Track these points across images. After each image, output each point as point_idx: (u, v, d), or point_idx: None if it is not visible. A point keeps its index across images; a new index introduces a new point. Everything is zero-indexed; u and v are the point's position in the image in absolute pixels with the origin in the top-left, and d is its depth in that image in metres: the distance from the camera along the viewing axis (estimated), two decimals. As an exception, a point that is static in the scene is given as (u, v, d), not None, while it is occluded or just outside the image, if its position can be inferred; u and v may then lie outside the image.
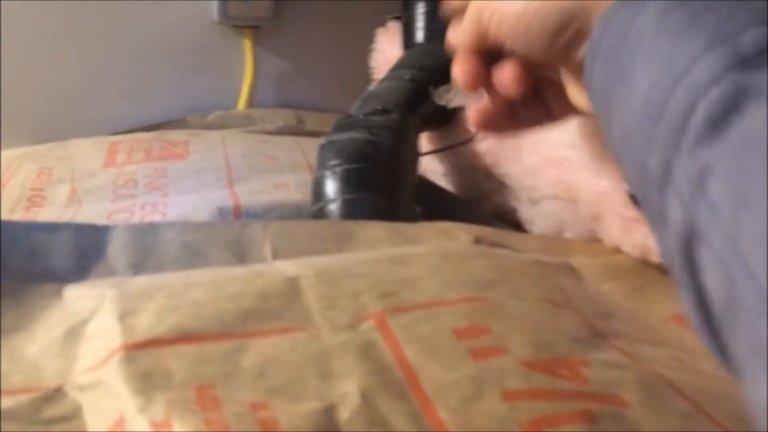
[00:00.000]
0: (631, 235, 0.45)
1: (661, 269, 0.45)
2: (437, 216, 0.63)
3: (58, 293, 0.32)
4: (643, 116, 0.24)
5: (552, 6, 0.31)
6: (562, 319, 0.35)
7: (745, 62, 0.21)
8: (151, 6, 0.84)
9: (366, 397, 0.27)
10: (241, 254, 0.38)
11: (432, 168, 0.72)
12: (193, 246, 0.37)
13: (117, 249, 0.35)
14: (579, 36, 0.31)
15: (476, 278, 0.37)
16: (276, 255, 0.39)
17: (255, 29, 0.89)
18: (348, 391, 0.27)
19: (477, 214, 0.63)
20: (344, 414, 0.26)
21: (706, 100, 0.21)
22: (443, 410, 0.27)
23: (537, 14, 0.32)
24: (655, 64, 0.24)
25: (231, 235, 0.38)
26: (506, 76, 0.36)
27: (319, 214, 0.54)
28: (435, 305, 0.34)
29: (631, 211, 0.45)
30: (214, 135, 0.78)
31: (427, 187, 0.67)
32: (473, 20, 0.36)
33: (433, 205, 0.64)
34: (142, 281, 0.33)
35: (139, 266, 0.35)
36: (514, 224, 0.60)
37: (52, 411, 0.26)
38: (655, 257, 0.44)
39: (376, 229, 0.43)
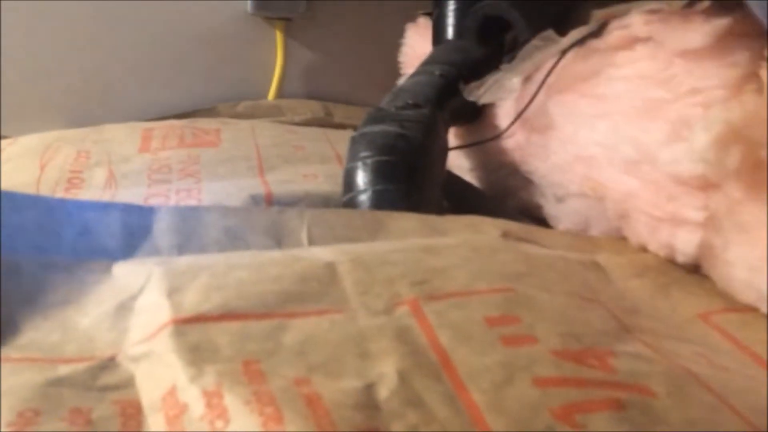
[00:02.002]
0: (658, 234, 0.46)
1: (687, 269, 0.45)
2: (463, 210, 0.64)
3: (108, 269, 0.34)
4: None
5: None
6: (589, 312, 0.36)
7: None
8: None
9: (403, 378, 0.28)
10: (279, 239, 0.39)
11: (458, 163, 0.73)
12: (234, 230, 0.38)
13: (162, 230, 0.36)
14: None
15: (505, 270, 0.38)
16: (311, 241, 0.40)
17: (287, 21, 0.90)
18: (386, 371, 0.28)
19: (503, 209, 0.64)
20: (383, 392, 0.27)
21: None
22: (476, 393, 0.28)
23: None
24: None
25: (269, 220, 0.39)
26: None
27: (350, 204, 0.55)
28: (466, 294, 0.35)
29: (658, 211, 0.46)
30: (244, 124, 0.80)
31: (454, 181, 0.68)
32: None
33: (459, 199, 0.65)
34: (186, 261, 0.35)
35: (182, 247, 0.36)
36: (540, 221, 0.61)
37: (108, 379, 0.27)
38: (681, 257, 0.45)
39: (406, 220, 0.45)
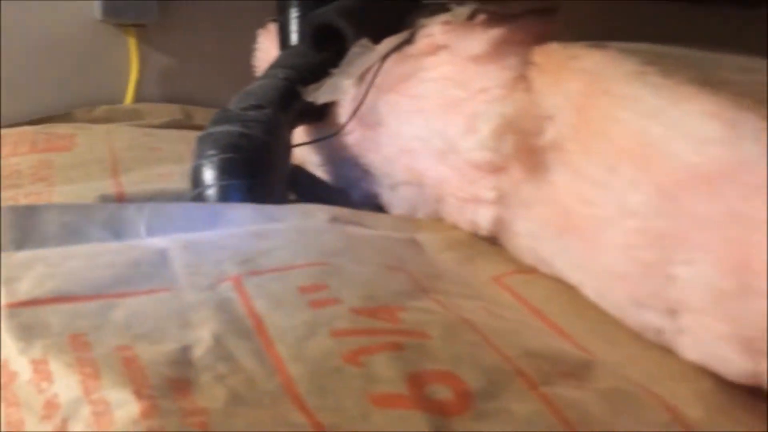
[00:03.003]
0: (464, 213, 0.53)
1: (489, 241, 0.53)
2: (311, 201, 0.69)
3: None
4: None
5: None
6: (392, 279, 0.42)
7: None
8: (35, 4, 0.86)
9: (217, 339, 0.33)
10: (117, 232, 0.43)
11: (309, 159, 0.78)
12: (72, 225, 0.41)
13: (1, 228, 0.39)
14: None
15: (325, 248, 0.44)
16: (150, 233, 0.44)
17: (139, 27, 0.92)
18: (202, 335, 0.33)
19: (347, 199, 0.70)
20: (198, 352, 0.32)
21: None
22: (282, 347, 0.33)
23: None
24: None
25: (108, 214, 0.43)
26: None
27: (198, 198, 0.59)
28: (285, 269, 0.40)
29: (463, 193, 0.53)
30: (101, 128, 0.81)
31: (302, 175, 0.73)
32: None
33: (307, 191, 0.70)
34: (24, 254, 0.38)
35: (20, 243, 0.39)
36: (379, 208, 0.68)
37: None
38: (482, 231, 0.52)
39: (243, 210, 0.50)
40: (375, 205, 0.68)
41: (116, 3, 0.89)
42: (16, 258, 0.37)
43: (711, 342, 0.36)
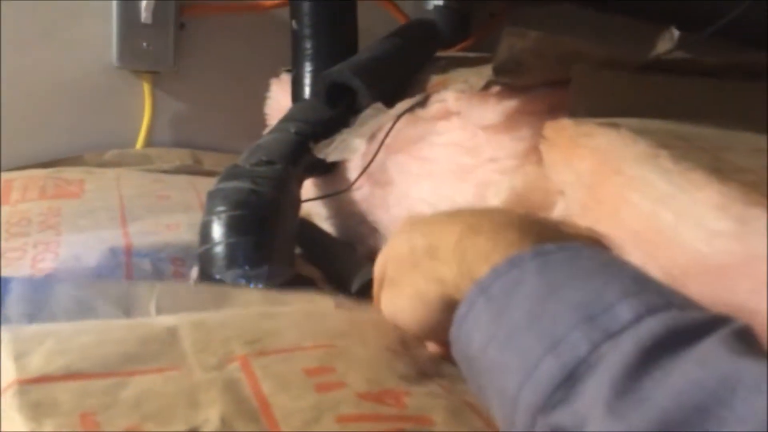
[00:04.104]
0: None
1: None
2: (316, 257, 0.70)
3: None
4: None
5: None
6: (397, 363, 0.42)
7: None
8: (53, 48, 0.88)
9: (224, 421, 0.33)
10: (128, 309, 0.43)
11: (317, 211, 0.79)
12: (84, 300, 0.42)
13: (12, 300, 0.39)
14: None
15: (330, 330, 0.44)
16: (159, 311, 0.44)
17: (154, 74, 0.93)
18: (210, 417, 0.33)
19: (353, 255, 0.70)
20: (206, 432, 0.32)
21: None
22: (287, 430, 0.33)
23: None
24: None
25: (120, 292, 0.43)
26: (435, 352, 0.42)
27: (206, 255, 0.59)
28: (292, 350, 0.40)
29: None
30: (110, 174, 0.82)
31: (309, 229, 0.73)
32: None
33: (314, 246, 0.71)
34: (34, 328, 0.38)
35: (32, 317, 0.40)
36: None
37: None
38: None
39: (250, 293, 0.50)
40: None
41: (133, 50, 0.90)
42: (27, 331, 0.37)
43: None
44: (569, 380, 0.26)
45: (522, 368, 0.28)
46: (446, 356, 0.40)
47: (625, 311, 0.26)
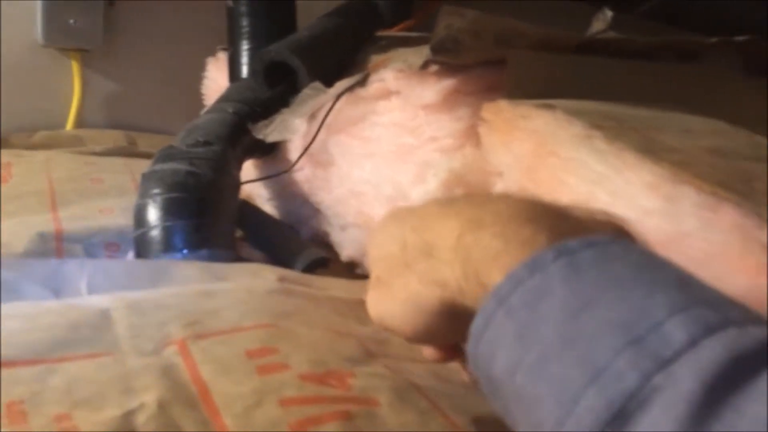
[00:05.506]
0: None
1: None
2: (258, 239, 0.69)
3: None
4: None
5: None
6: (341, 343, 0.42)
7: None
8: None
9: (162, 406, 0.32)
10: (57, 289, 0.41)
11: (258, 193, 0.78)
12: (10, 282, 0.40)
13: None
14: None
15: (274, 309, 0.43)
16: (91, 290, 0.43)
17: (84, 52, 0.89)
18: (146, 402, 0.32)
19: (296, 237, 0.69)
20: (141, 419, 0.31)
21: None
22: (228, 417, 0.33)
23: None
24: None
25: (48, 271, 0.41)
26: (432, 357, 0.38)
27: (141, 239, 0.58)
28: (233, 331, 0.39)
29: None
30: (39, 156, 0.78)
31: (251, 212, 0.72)
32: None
33: (255, 229, 0.70)
34: (-44, 315, 0.36)
35: (-47, 301, 0.37)
36: (328, 246, 0.67)
37: None
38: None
39: (189, 268, 0.49)
40: (324, 244, 0.68)
41: (60, 27, 0.86)
42: (-52, 320, 0.35)
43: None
44: (617, 419, 0.22)
45: (559, 403, 0.23)
46: (444, 361, 0.37)
47: (676, 332, 0.22)
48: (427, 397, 0.37)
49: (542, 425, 0.24)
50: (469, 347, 0.28)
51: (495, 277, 0.27)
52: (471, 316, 0.28)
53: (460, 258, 0.30)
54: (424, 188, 0.49)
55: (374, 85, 0.56)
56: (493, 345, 0.26)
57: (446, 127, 0.49)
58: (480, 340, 0.27)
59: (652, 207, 0.36)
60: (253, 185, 0.76)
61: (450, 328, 0.32)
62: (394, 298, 0.34)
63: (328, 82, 0.63)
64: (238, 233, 0.67)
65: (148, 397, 0.33)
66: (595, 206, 0.39)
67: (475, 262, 0.29)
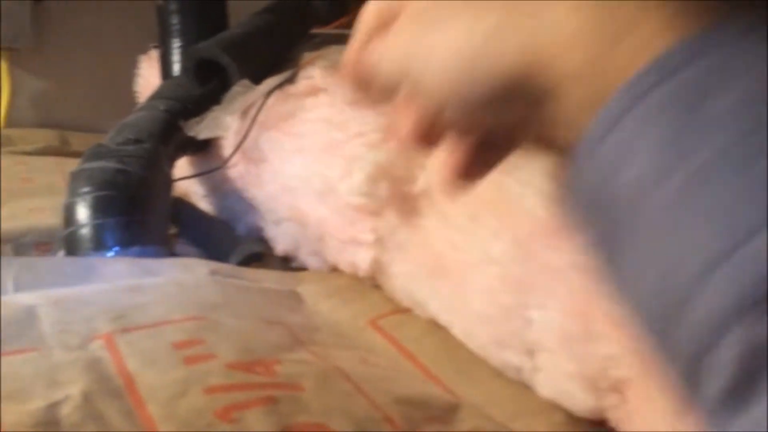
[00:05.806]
0: (344, 254, 0.55)
1: (369, 283, 0.55)
2: (193, 235, 0.69)
3: None
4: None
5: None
6: (270, 332, 0.43)
7: None
8: None
9: (86, 398, 0.33)
10: (-19, 288, 0.41)
11: (194, 190, 0.78)
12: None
13: None
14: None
15: (203, 302, 0.44)
16: (18, 288, 0.43)
17: (12, 51, 0.88)
18: (71, 393, 0.33)
19: (231, 233, 0.70)
20: (65, 410, 0.31)
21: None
22: (153, 406, 0.33)
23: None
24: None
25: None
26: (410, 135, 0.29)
27: (71, 238, 0.58)
28: (160, 324, 0.40)
29: (343, 234, 0.55)
30: (-34, 156, 0.77)
31: (185, 208, 0.72)
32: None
33: (190, 225, 0.70)
34: None
35: None
36: (263, 241, 0.68)
37: None
38: (361, 272, 0.54)
39: (119, 264, 0.49)
40: (259, 239, 0.69)
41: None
42: None
43: (561, 380, 0.40)
44: None
45: (720, 236, 0.17)
46: (419, 145, 0.29)
47: None
48: (351, 381, 0.39)
49: (679, 261, 0.18)
50: (580, 149, 0.21)
51: (633, 60, 0.20)
52: (539, 102, 0.22)
53: (579, 21, 0.21)
54: (350, 182, 0.51)
55: (303, 82, 0.58)
56: (623, 149, 0.20)
57: (372, 122, 0.51)
58: (602, 142, 0.20)
59: (553, 193, 0.38)
60: (188, 182, 0.76)
61: (496, 106, 0.24)
62: (445, 45, 0.25)
63: (261, 79, 0.63)
64: (173, 230, 0.67)
65: (73, 390, 0.33)
66: (508, 195, 0.42)
67: (604, 30, 0.21)
